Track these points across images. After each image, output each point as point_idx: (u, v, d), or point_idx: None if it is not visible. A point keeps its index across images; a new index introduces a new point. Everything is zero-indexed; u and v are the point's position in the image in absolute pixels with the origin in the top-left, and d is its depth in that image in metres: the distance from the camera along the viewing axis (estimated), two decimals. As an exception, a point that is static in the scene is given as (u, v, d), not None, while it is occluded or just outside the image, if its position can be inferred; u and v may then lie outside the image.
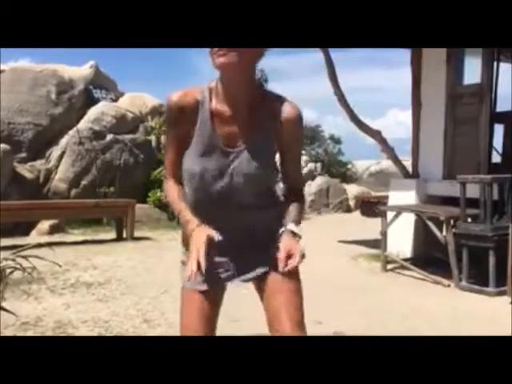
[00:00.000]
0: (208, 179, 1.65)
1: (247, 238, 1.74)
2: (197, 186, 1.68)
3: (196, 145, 1.65)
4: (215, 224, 1.64)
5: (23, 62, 19.25)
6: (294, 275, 1.70)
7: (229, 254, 1.73)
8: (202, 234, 1.60)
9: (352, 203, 13.28)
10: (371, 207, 9.36)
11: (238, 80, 1.63)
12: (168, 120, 1.75)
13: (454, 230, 5.07)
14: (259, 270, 1.75)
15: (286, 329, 1.64)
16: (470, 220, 5.18)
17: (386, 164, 14.90)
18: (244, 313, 3.64)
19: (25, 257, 2.56)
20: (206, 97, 1.65)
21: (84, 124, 9.93)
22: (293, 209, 1.77)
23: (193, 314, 1.72)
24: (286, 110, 1.67)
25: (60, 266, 3.91)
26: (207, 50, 1.65)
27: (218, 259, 1.69)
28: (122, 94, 11.56)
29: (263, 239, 1.74)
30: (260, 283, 1.76)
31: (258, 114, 1.65)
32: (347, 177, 15.17)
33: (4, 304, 2.60)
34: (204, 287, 1.71)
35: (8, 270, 2.51)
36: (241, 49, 1.58)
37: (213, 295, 1.75)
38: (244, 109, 1.65)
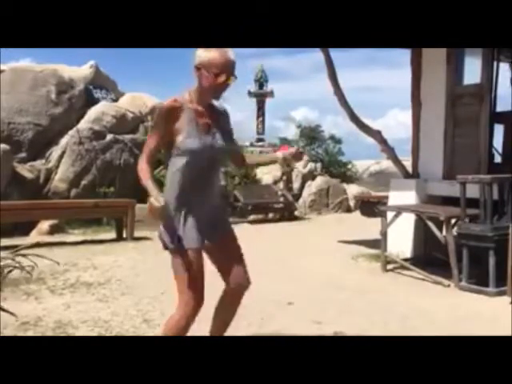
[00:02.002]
0: (199, 152, 2.42)
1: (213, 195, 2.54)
2: (193, 157, 2.42)
3: (188, 133, 2.40)
4: (201, 181, 2.45)
5: (23, 61, 19.23)
6: (237, 243, 2.58)
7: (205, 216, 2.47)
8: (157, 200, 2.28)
9: (352, 203, 13.26)
10: (371, 207, 9.34)
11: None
12: (159, 118, 2.45)
13: (454, 230, 5.07)
14: (214, 237, 2.52)
15: (241, 273, 2.48)
16: (469, 220, 5.18)
17: (386, 164, 14.90)
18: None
19: (24, 255, 2.57)
20: (187, 99, 2.43)
21: (84, 124, 9.92)
22: None
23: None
24: (224, 108, 2.60)
25: (58, 263, 3.90)
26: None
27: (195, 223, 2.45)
28: (122, 94, 11.54)
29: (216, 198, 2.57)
30: (212, 247, 2.53)
31: (216, 111, 2.54)
32: (347, 177, 15.15)
33: (4, 304, 2.60)
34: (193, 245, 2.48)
35: (6, 270, 2.51)
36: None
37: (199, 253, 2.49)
38: (210, 107, 2.50)
